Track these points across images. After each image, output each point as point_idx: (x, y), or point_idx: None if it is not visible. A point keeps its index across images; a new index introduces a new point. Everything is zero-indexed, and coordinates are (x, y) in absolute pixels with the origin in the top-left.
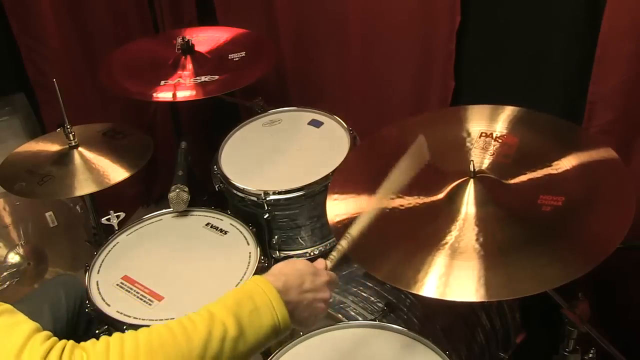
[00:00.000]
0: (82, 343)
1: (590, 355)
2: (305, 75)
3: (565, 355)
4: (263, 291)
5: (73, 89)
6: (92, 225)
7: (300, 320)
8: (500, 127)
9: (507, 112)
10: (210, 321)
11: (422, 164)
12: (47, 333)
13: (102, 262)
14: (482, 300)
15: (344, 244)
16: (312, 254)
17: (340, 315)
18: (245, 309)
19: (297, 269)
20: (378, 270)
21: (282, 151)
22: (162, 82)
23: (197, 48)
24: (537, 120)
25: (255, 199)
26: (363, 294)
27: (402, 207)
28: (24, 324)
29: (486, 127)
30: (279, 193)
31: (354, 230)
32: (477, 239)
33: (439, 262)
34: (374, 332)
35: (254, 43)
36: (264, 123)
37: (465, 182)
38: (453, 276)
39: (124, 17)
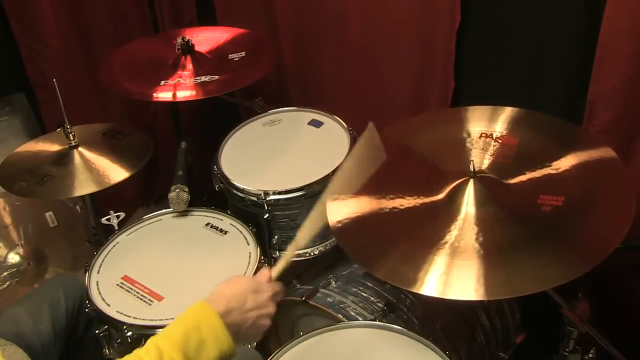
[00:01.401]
0: None
1: (590, 355)
2: (305, 75)
3: (565, 355)
4: (208, 319)
5: (73, 89)
6: (92, 225)
7: (245, 338)
8: (500, 127)
9: (507, 113)
10: (158, 358)
11: (376, 157)
12: None
13: (102, 262)
14: (482, 299)
15: (289, 251)
16: (312, 254)
17: (340, 315)
18: (192, 342)
19: (238, 289)
20: (378, 270)
21: (282, 151)
22: (162, 82)
23: (197, 48)
24: (536, 121)
25: (255, 199)
26: (363, 294)
27: (402, 207)
28: None
29: (486, 128)
30: (279, 193)
31: (300, 237)
32: (477, 239)
33: (439, 261)
34: (374, 332)
35: (254, 43)
36: (264, 123)
37: (465, 182)
38: (453, 275)
39: (124, 17)
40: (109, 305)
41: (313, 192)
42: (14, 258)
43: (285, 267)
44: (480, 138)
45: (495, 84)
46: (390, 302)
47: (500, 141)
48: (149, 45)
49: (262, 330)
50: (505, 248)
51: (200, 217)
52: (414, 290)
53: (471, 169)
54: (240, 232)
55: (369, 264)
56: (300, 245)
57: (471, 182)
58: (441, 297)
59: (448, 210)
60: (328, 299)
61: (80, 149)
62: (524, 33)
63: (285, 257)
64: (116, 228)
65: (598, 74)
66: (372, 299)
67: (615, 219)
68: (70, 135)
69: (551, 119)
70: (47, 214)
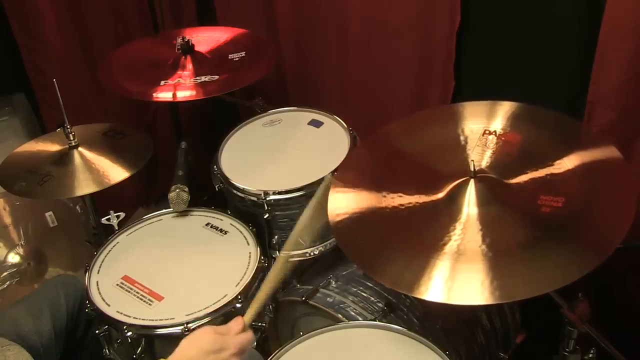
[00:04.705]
0: None
1: (590, 355)
2: (305, 75)
3: (565, 355)
4: None
5: (73, 89)
6: (92, 225)
7: None
8: (502, 124)
9: (509, 109)
10: None
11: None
12: None
13: (102, 262)
14: (486, 303)
15: (259, 299)
16: (312, 254)
17: (340, 315)
18: None
19: (200, 348)
20: (379, 274)
21: (282, 151)
22: (162, 82)
23: (197, 48)
24: (540, 117)
25: (255, 199)
26: (363, 294)
27: (402, 207)
28: None
29: (488, 125)
30: (279, 193)
31: (264, 291)
32: (477, 240)
33: (440, 264)
34: (374, 332)
35: (254, 43)
36: (264, 123)
37: (466, 182)
38: (456, 279)
39: (124, 17)
40: (109, 305)
41: (313, 192)
42: (14, 258)
43: (259, 311)
44: (483, 135)
45: (495, 84)
46: (390, 302)
47: (503, 138)
48: (149, 45)
49: None
50: (506, 249)
51: (200, 217)
52: (417, 295)
53: (471, 168)
54: (240, 232)
55: (370, 267)
56: (268, 294)
57: (472, 182)
58: (445, 302)
59: (449, 210)
60: (328, 299)
61: (80, 149)
62: (524, 33)
63: (256, 306)
64: (116, 228)
65: (598, 74)
66: (372, 299)
67: (615, 219)
68: (70, 135)
69: (555, 115)
70: (47, 214)
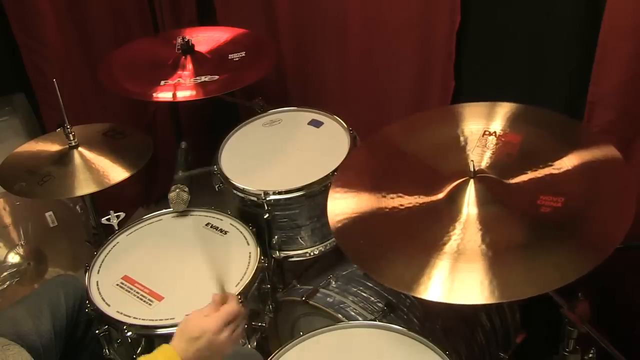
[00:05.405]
0: None
1: (590, 355)
2: (305, 75)
3: (565, 355)
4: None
5: (73, 89)
6: (92, 225)
7: None
8: (502, 125)
9: (509, 110)
10: None
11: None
12: None
13: (102, 262)
14: (485, 302)
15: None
16: (312, 254)
17: (340, 315)
18: None
19: (188, 337)
20: (379, 274)
21: (282, 151)
22: (162, 82)
23: (197, 48)
24: (540, 118)
25: (255, 199)
26: (363, 294)
27: (402, 207)
28: None
29: (488, 125)
30: (279, 193)
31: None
32: (477, 240)
33: (440, 264)
34: (374, 332)
35: (254, 43)
36: (264, 123)
37: (466, 182)
38: (455, 279)
39: (124, 17)
40: (109, 305)
41: (313, 192)
42: (14, 258)
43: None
44: (483, 136)
45: (495, 84)
46: (390, 302)
47: (503, 139)
48: (149, 45)
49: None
50: (505, 249)
51: (200, 217)
52: (417, 295)
53: (471, 168)
54: (240, 232)
55: (370, 267)
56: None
57: (471, 182)
58: (444, 301)
59: (449, 210)
60: (328, 299)
61: (80, 149)
62: (524, 33)
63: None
64: (116, 228)
65: (598, 74)
66: (372, 299)
67: (615, 219)
68: (70, 135)
69: (554, 115)
70: (47, 214)
